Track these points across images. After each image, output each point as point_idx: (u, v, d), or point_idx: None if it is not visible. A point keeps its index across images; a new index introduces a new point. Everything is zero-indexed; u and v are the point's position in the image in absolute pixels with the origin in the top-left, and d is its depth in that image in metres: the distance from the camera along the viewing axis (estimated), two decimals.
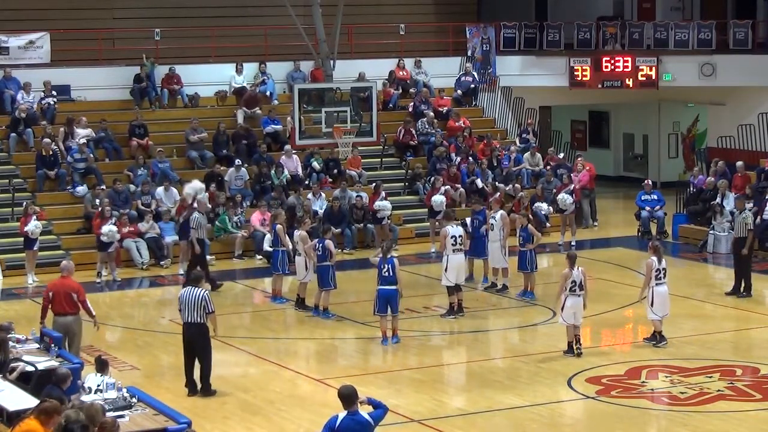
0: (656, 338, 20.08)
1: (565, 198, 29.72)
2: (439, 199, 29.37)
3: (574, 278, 19.36)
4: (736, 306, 23.27)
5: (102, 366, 15.08)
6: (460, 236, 22.37)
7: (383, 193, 29.90)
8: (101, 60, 33.26)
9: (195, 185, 27.04)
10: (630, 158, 40.15)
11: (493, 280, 24.75)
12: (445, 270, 22.14)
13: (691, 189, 31.30)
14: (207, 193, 29.30)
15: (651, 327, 20.30)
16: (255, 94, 33.14)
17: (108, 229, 26.11)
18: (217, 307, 17.92)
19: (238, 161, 30.69)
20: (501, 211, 24.60)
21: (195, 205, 26.92)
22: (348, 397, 12.03)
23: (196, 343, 17.52)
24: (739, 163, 30.72)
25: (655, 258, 19.98)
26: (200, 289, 17.47)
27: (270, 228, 25.48)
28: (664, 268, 20.03)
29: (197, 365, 17.69)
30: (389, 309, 20.25)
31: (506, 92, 36.35)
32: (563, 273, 19.52)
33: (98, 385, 14.73)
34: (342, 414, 12.03)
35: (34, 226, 25.98)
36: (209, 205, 28.31)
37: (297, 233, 23.18)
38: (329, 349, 20.86)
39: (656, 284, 19.96)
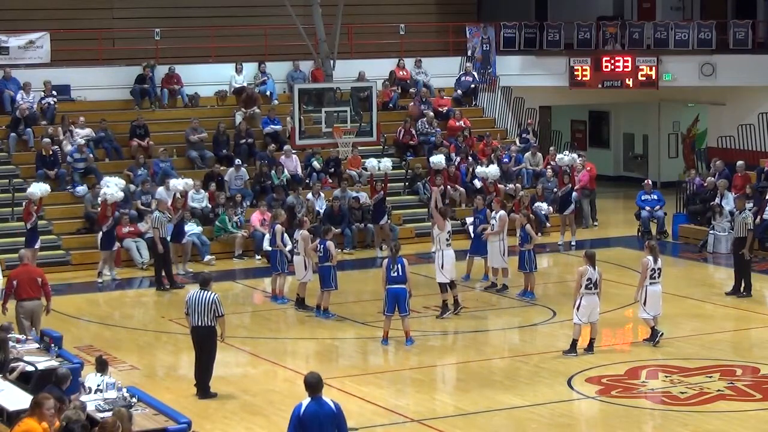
0: (654, 337, 20.08)
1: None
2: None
3: (590, 276, 19.35)
4: (736, 306, 23.27)
5: (102, 366, 15.10)
6: (450, 232, 22.49)
7: (382, 193, 29.86)
8: (101, 60, 33.26)
9: (184, 181, 27.27)
10: (630, 158, 40.16)
11: (493, 279, 24.77)
12: (441, 267, 22.13)
13: (689, 190, 31.21)
14: (207, 193, 29.45)
15: (649, 327, 20.30)
16: (251, 93, 33.12)
17: (105, 191, 26.26)
18: None
19: (237, 161, 30.70)
20: (501, 212, 24.63)
21: (188, 203, 27.14)
22: (314, 384, 12.22)
23: (204, 346, 17.51)
24: (740, 163, 30.71)
25: (650, 257, 20.00)
26: (210, 292, 17.44)
27: (270, 228, 25.48)
28: (659, 268, 20.03)
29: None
30: (397, 309, 20.23)
31: (506, 92, 36.35)
32: (579, 270, 19.48)
33: (98, 385, 14.74)
34: (306, 401, 12.17)
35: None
36: (193, 204, 28.49)
37: (298, 233, 23.17)
38: (329, 349, 20.85)
39: (650, 283, 19.98)
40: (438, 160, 30.45)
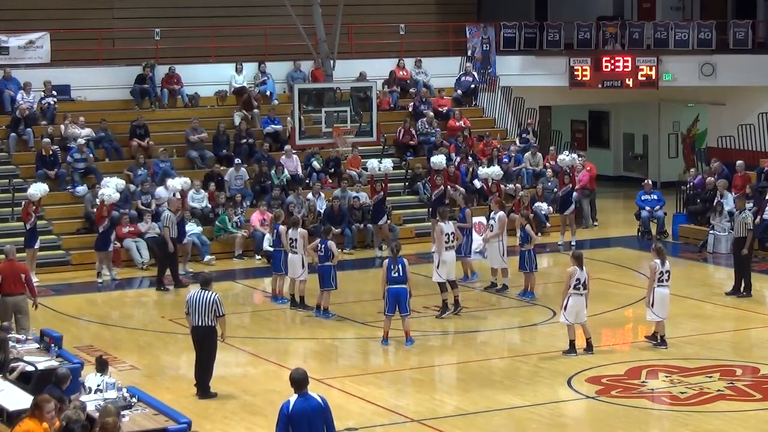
0: (656, 338, 20.06)
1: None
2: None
3: (579, 277, 19.36)
4: (736, 306, 23.27)
5: (102, 366, 15.09)
6: (452, 233, 22.46)
7: (382, 193, 29.85)
8: (101, 60, 33.26)
9: (181, 181, 27.32)
10: (630, 158, 40.16)
11: (492, 280, 24.73)
12: (437, 266, 22.24)
13: (688, 189, 31.18)
14: (207, 193, 29.47)
15: (651, 327, 20.28)
16: (249, 95, 33.05)
17: (104, 192, 26.19)
18: None
19: (237, 161, 30.68)
20: (500, 212, 24.60)
21: (187, 203, 27.15)
22: (300, 381, 12.35)
23: (204, 346, 17.51)
24: (740, 163, 30.69)
25: (658, 260, 19.90)
26: (210, 292, 17.43)
27: (271, 228, 25.47)
28: (667, 271, 19.93)
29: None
30: (397, 309, 20.23)
31: (506, 92, 36.35)
32: (568, 270, 19.51)
33: (98, 385, 14.73)
34: (293, 397, 12.28)
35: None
36: (193, 204, 28.58)
37: (296, 231, 23.10)
38: (329, 349, 20.85)
39: (658, 286, 19.88)
40: (439, 160, 30.39)
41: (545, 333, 21.33)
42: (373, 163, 29.71)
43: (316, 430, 12.24)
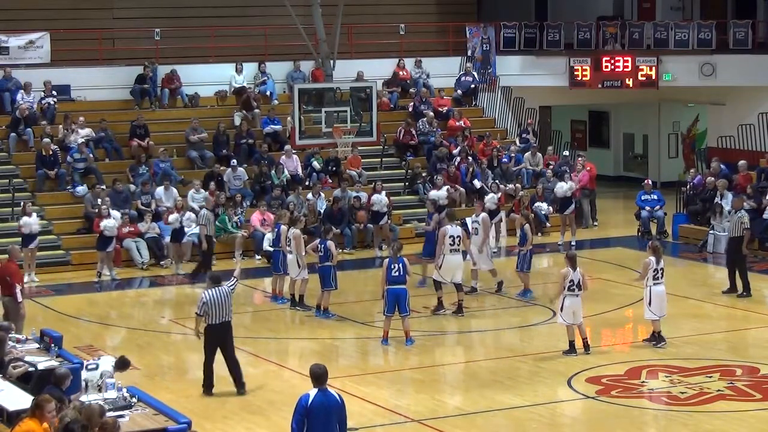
0: (655, 338, 20.08)
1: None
2: (436, 195, 29.53)
3: (573, 278, 19.39)
4: (735, 306, 23.28)
5: (120, 366, 14.89)
6: (458, 237, 22.37)
7: (384, 192, 29.84)
8: (101, 60, 33.27)
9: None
10: (630, 158, 40.17)
11: (473, 284, 24.48)
12: (439, 267, 22.24)
13: (688, 189, 31.18)
14: (207, 193, 29.45)
15: (650, 327, 20.30)
16: (249, 95, 33.03)
17: (105, 223, 26.18)
18: None
19: (234, 161, 30.64)
20: (483, 214, 24.48)
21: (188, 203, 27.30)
22: (320, 376, 12.38)
23: (229, 341, 17.59)
24: (742, 162, 30.67)
25: (653, 258, 19.93)
26: (222, 287, 17.45)
27: (273, 228, 25.48)
28: (662, 269, 19.97)
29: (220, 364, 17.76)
30: (397, 309, 20.24)
31: (506, 92, 36.36)
32: (561, 272, 19.56)
33: (101, 376, 14.53)
34: (313, 391, 12.34)
35: (32, 220, 26.07)
36: (193, 204, 28.66)
37: (291, 231, 23.10)
38: (329, 349, 20.84)
39: (654, 284, 19.91)
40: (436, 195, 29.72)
41: (545, 333, 21.33)
42: (377, 197, 29.62)
43: (331, 427, 12.31)
